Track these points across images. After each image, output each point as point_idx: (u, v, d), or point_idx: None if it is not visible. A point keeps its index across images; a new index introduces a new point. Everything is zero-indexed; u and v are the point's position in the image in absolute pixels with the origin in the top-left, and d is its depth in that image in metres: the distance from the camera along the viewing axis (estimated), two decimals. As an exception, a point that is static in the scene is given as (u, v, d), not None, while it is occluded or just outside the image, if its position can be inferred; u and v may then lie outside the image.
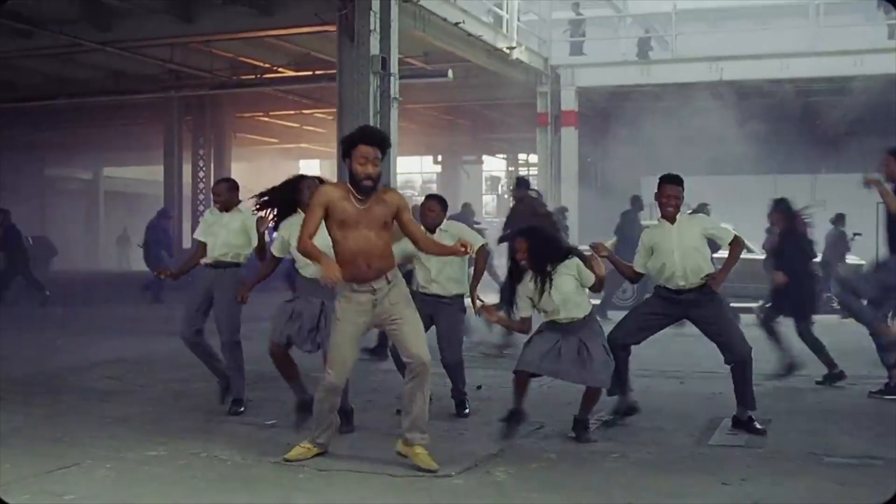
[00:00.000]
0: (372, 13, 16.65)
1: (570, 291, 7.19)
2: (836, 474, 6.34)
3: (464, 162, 43.21)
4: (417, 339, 6.35)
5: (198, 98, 28.20)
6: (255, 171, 45.78)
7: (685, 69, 25.33)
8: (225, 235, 8.57)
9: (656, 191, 7.79)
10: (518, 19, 24.03)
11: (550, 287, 7.14)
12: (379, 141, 6.25)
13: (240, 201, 8.85)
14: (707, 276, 7.58)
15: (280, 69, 23.79)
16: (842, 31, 26.42)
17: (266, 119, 31.83)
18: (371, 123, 16.51)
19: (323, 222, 6.24)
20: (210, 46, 21.61)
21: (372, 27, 16.68)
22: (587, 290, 7.33)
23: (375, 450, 6.83)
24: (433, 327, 8.10)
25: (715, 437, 7.36)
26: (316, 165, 50.37)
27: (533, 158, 34.17)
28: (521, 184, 15.41)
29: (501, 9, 23.37)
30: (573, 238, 25.72)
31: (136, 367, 11.23)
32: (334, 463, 6.48)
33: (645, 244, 7.84)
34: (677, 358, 11.14)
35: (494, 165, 46.74)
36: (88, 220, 43.66)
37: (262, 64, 23.54)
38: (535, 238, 7.30)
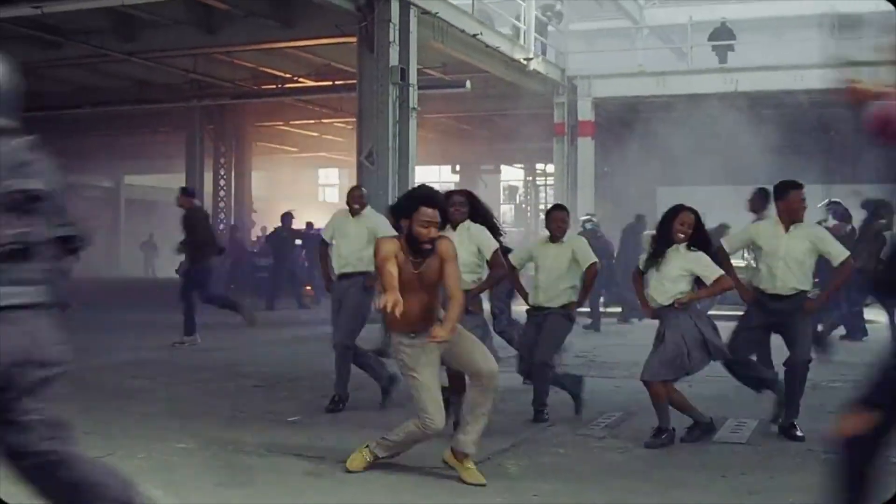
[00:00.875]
0: (392, 25, 17.03)
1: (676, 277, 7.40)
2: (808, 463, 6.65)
3: (482, 172, 43.44)
4: (476, 352, 6.27)
5: (219, 107, 28.65)
6: (274, 180, 46.49)
7: (700, 80, 25.58)
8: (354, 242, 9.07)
9: (778, 197, 7.80)
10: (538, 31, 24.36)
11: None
12: (440, 204, 6.23)
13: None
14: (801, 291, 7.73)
15: (300, 79, 24.18)
16: (855, 43, 26.60)
17: (286, 128, 32.24)
18: (390, 133, 16.94)
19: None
20: (232, 57, 22.05)
21: (391, 39, 17.07)
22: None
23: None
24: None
25: (718, 434, 7.64)
26: (335, 174, 50.88)
27: (550, 168, 34.44)
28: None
29: (519, 21, 23.71)
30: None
31: (160, 368, 11.59)
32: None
33: (749, 236, 8.04)
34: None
35: (512, 175, 46.93)
36: (110, 227, 44.17)
37: (282, 74, 23.96)
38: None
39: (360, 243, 8.91)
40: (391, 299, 5.70)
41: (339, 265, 9.13)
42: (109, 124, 30.07)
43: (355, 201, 9.27)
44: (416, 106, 17.73)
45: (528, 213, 42.14)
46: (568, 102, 26.52)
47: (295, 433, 7.72)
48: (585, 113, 26.39)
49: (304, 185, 48.50)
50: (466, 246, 7.59)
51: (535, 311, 8.33)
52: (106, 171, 43.30)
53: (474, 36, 20.45)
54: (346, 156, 33.72)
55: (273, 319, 18.44)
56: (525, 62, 23.53)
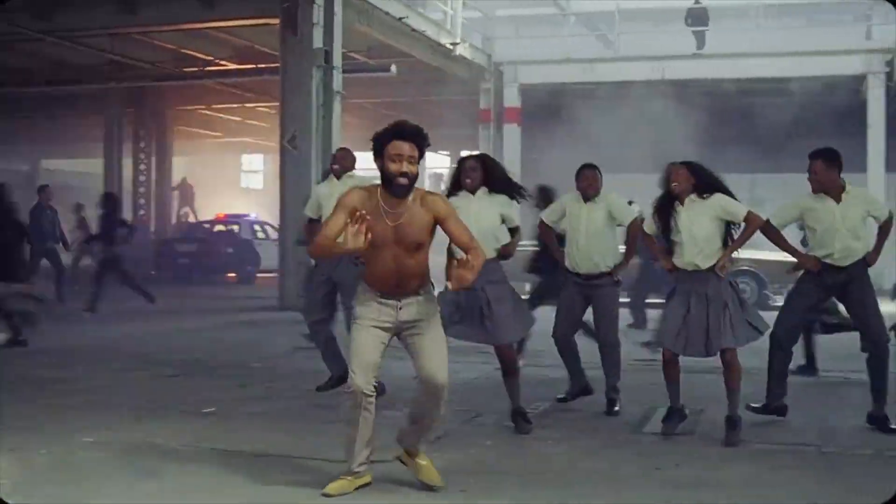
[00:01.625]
0: (315, 6, 16.72)
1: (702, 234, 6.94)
2: (767, 459, 6.47)
3: (407, 157, 43.07)
4: (435, 357, 5.60)
5: (139, 90, 28.02)
6: (196, 166, 45.74)
7: (628, 68, 25.56)
8: None
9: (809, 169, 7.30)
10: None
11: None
12: (415, 136, 5.48)
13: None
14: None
15: (222, 62, 23.68)
16: (784, 32, 26.79)
17: (208, 112, 31.65)
18: (314, 116, 16.59)
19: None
20: (152, 38, 21.50)
21: (315, 20, 16.75)
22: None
23: (312, 435, 6.87)
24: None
25: (650, 424, 7.45)
26: (259, 160, 50.22)
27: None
28: None
29: (445, 5, 23.45)
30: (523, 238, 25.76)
31: (73, 356, 11.14)
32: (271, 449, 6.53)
33: (799, 208, 7.46)
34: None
35: (438, 162, 46.70)
36: (25, 213, 42.99)
37: (204, 56, 23.45)
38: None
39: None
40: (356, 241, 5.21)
41: None
42: (25, 106, 29.20)
43: (337, 162, 8.89)
44: (340, 89, 17.41)
45: (455, 201, 41.79)
46: (494, 88, 26.39)
47: (210, 426, 7.37)
48: (512, 99, 26.24)
49: (227, 170, 47.77)
50: (487, 213, 7.25)
51: (576, 276, 7.94)
52: (23, 155, 42.24)
53: (400, 19, 20.18)
54: (270, 141, 33.22)
55: (193, 306, 18.01)
56: (451, 47, 23.28)
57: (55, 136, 36.19)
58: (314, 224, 8.57)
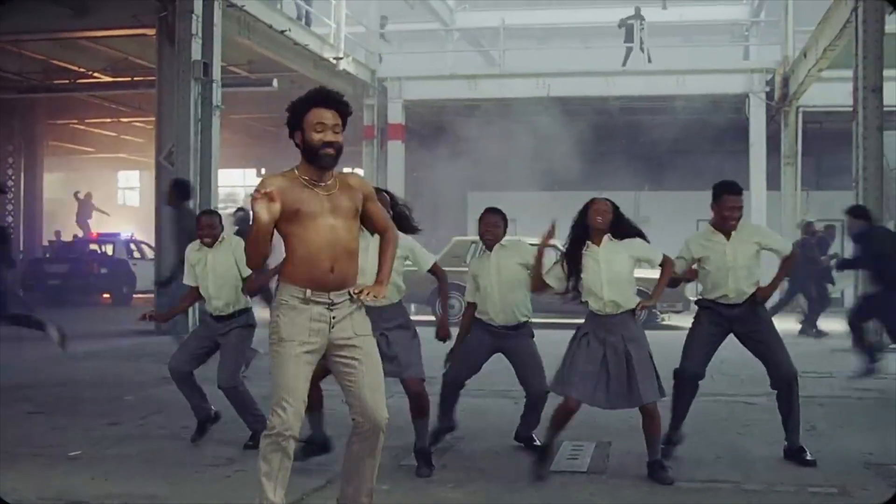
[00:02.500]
0: (194, 17, 16.05)
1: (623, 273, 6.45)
2: (687, 497, 6.08)
3: (288, 175, 42.33)
4: (376, 392, 4.89)
5: (7, 102, 26.74)
6: (70, 183, 44.16)
7: (513, 84, 25.29)
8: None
9: (713, 202, 7.03)
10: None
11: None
12: (337, 104, 4.88)
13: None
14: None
15: (96, 74, 22.73)
16: (666, 52, 26.90)
17: (82, 127, 30.47)
18: (192, 132, 15.90)
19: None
20: (20, 47, 20.46)
21: (194, 31, 16.10)
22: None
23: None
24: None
25: (556, 462, 6.98)
26: (136, 177, 48.81)
27: (359, 172, 33.62)
28: None
29: (329, 19, 22.91)
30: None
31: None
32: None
33: (691, 254, 7.13)
34: (499, 376, 10.31)
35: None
36: None
37: (76, 68, 22.48)
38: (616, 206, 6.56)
39: (231, 277, 7.58)
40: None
41: (213, 307, 7.62)
42: None
43: (206, 232, 7.68)
44: (219, 104, 16.72)
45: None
46: (378, 104, 25.89)
47: (75, 472, 6.64)
48: (396, 115, 25.78)
49: (103, 187, 46.23)
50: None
51: (490, 327, 7.26)
52: None
53: (282, 32, 19.56)
54: (146, 157, 32.15)
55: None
56: (335, 62, 22.73)
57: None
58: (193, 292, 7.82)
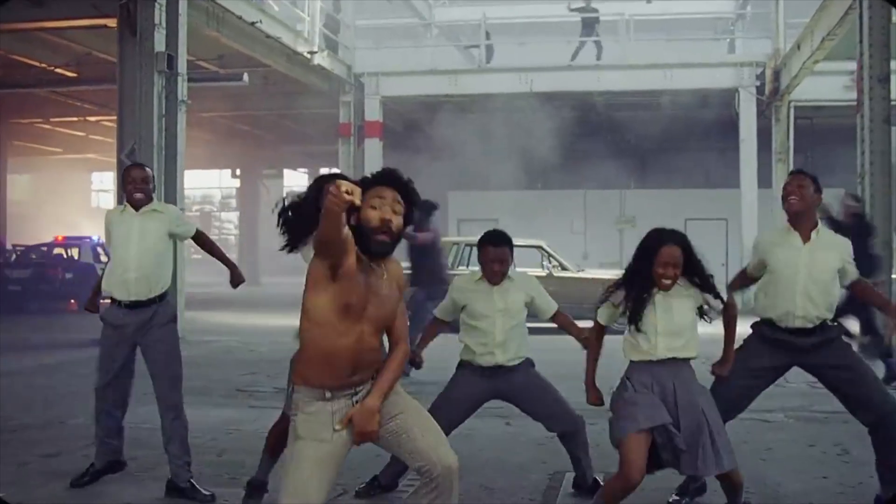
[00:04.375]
0: (157, 5, 15.15)
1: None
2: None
3: (264, 176, 41.48)
4: (435, 437, 4.22)
5: (-32, 100, 25.72)
6: (40, 184, 43.05)
7: (495, 80, 24.47)
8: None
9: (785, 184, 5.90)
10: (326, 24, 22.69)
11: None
12: (401, 184, 4.24)
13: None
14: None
15: (59, 70, 21.68)
16: (651, 45, 26.13)
17: (47, 126, 29.35)
18: (155, 128, 14.96)
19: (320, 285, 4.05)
20: (-25, 41, 19.41)
21: (157, 21, 15.17)
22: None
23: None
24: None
25: (560, 499, 6.05)
26: (110, 178, 47.79)
27: (335, 171, 32.66)
28: None
29: (303, 11, 22.00)
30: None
31: None
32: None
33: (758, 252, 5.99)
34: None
35: (295, 180, 45.19)
36: None
37: (36, 63, 21.37)
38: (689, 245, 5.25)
39: (156, 251, 6.33)
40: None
41: (125, 289, 6.25)
42: None
43: (137, 187, 6.40)
44: (185, 98, 15.75)
45: (313, 220, 40.24)
46: (354, 101, 24.99)
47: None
48: (373, 112, 24.84)
49: (76, 189, 45.20)
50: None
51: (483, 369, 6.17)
52: None
53: (253, 24, 18.62)
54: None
55: (14, 342, 15.98)
56: (309, 56, 21.79)
57: None
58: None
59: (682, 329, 5.16)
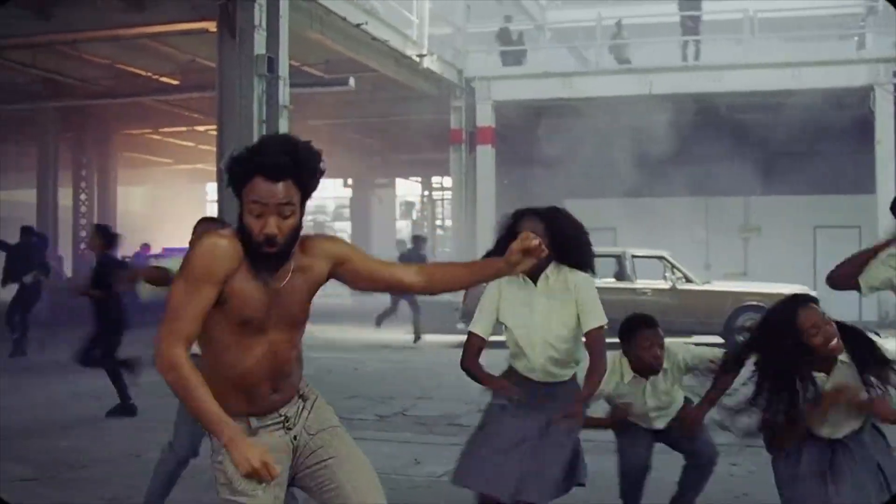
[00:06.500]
0: (257, 6, 14.47)
1: None
2: None
3: (376, 186, 41.05)
4: (363, 478, 3.59)
5: (79, 112, 25.54)
6: (157, 196, 43.19)
7: (611, 82, 23.45)
8: None
9: None
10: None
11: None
12: (287, 168, 3.33)
13: None
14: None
15: (164, 78, 21.31)
16: (778, 43, 24.86)
17: (157, 137, 29.12)
18: (255, 135, 14.25)
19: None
20: (80, 50, 19.10)
21: (257, 22, 14.49)
22: None
23: None
24: None
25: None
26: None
27: (448, 182, 31.88)
28: None
29: (410, 13, 21.29)
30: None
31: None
32: None
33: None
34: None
35: (408, 189, 44.68)
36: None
37: (142, 72, 21.06)
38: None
39: None
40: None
41: None
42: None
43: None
44: (287, 103, 15.04)
45: (425, 230, 39.72)
46: (466, 106, 24.17)
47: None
48: (485, 118, 24.04)
49: (192, 200, 45.21)
50: (559, 310, 5.01)
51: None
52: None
53: (358, 26, 17.92)
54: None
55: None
56: (417, 59, 21.06)
57: (8, 164, 33.62)
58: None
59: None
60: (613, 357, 5.34)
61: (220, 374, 3.40)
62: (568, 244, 4.95)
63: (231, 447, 3.19)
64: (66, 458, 7.76)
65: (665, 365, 5.37)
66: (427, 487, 5.97)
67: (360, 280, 3.62)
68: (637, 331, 5.36)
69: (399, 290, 3.17)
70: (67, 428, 9.24)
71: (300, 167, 3.34)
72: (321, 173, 3.42)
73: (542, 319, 4.93)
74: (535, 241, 3.47)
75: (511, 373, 5.08)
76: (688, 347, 5.58)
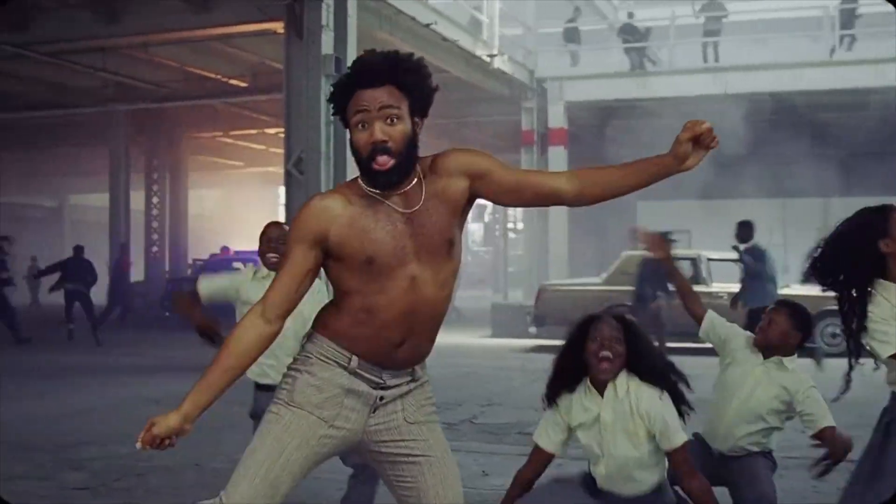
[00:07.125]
0: (325, 6, 14.23)
1: None
2: None
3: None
4: (456, 499, 3.25)
5: (150, 115, 25.66)
6: (229, 199, 43.39)
7: (686, 81, 23.00)
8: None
9: None
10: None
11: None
12: (383, 72, 3.07)
13: None
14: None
15: (232, 81, 21.26)
16: (858, 41, 24.19)
17: (227, 140, 29.18)
18: (323, 136, 14.08)
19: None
20: (149, 53, 19.09)
21: (324, 22, 14.25)
22: None
23: None
24: None
25: None
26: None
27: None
28: None
29: (480, 12, 21.00)
30: (561, 273, 23.35)
31: None
32: None
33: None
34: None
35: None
36: (54, 253, 40.35)
37: (212, 75, 21.07)
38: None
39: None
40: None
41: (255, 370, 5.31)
42: (39, 136, 27.21)
43: (271, 247, 5.56)
44: (355, 104, 14.83)
45: (497, 233, 39.41)
46: (537, 107, 23.86)
47: None
48: (557, 119, 23.71)
49: (264, 203, 45.32)
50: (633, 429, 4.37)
51: None
52: (47, 190, 40.34)
53: (427, 26, 17.68)
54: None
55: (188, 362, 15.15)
56: (488, 59, 20.78)
57: (81, 169, 34.01)
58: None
59: None
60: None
61: (349, 310, 3.14)
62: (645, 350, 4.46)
63: (170, 413, 3.16)
64: (122, 466, 7.53)
65: None
66: (496, 501, 5.69)
67: (506, 194, 3.31)
68: None
69: (551, 202, 2.68)
70: (128, 435, 8.98)
71: (400, 71, 3.09)
72: (429, 82, 3.19)
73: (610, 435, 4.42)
74: (706, 125, 3.01)
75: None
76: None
